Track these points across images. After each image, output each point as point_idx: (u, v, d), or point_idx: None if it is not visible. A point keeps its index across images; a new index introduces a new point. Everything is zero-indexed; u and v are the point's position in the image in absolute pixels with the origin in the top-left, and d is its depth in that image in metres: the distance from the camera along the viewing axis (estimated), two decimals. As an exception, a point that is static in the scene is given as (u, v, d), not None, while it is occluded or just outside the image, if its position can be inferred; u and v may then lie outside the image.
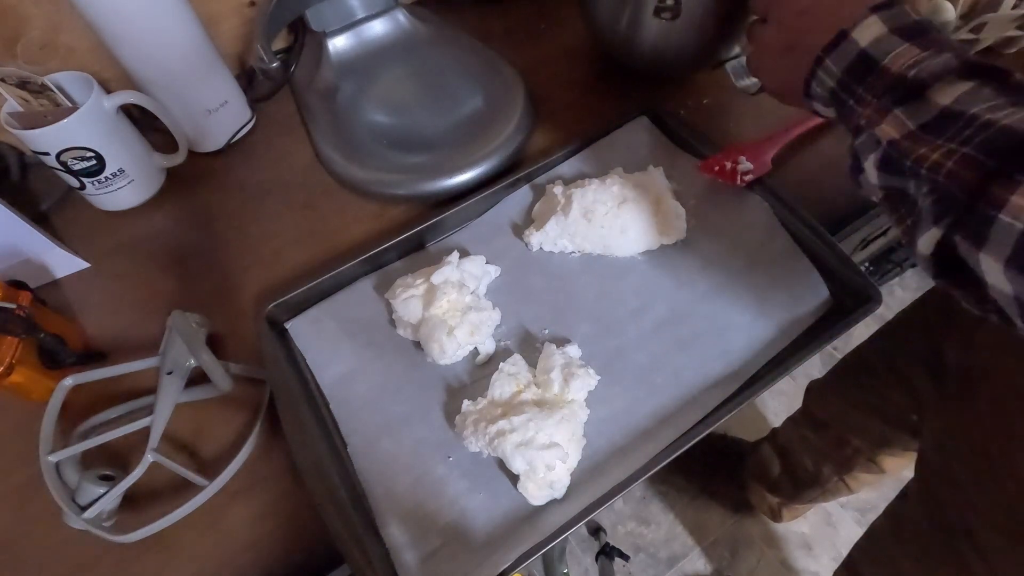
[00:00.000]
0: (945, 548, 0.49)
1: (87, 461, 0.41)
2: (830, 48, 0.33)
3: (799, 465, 0.90)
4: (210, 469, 0.41)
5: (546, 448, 0.38)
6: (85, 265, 0.53)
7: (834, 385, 0.80)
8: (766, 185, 0.49)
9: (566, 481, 0.39)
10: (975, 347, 0.49)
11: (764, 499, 1.02)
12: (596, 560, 1.02)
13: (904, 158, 0.28)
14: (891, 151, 0.29)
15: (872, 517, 1.04)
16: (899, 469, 0.76)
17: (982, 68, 0.28)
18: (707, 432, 0.40)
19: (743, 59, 0.56)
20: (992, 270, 0.25)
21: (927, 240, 0.28)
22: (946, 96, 0.27)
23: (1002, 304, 0.26)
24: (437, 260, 0.47)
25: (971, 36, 0.58)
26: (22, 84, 0.49)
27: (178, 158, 0.56)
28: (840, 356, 0.79)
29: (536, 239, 0.49)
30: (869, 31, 0.31)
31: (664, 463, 0.39)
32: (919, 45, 0.30)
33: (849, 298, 0.44)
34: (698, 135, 0.54)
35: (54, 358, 0.44)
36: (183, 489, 0.40)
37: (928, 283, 1.31)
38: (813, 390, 0.84)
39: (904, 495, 0.59)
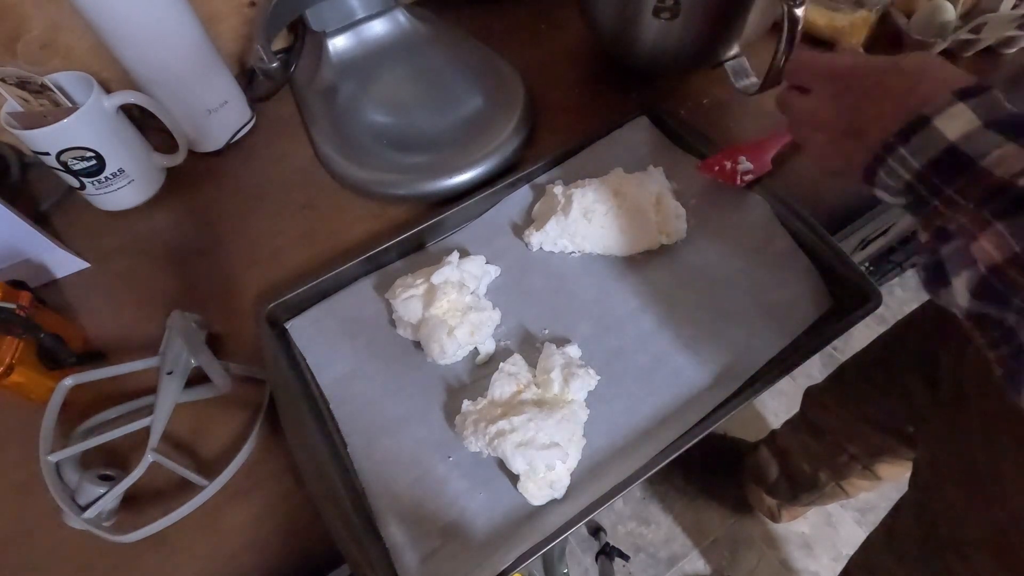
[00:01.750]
0: (937, 564, 0.48)
1: (87, 461, 0.41)
2: (905, 135, 0.28)
3: (797, 469, 0.90)
4: (210, 469, 0.41)
5: (546, 448, 0.38)
6: (85, 265, 0.53)
7: (831, 392, 0.79)
8: (766, 185, 0.49)
9: (566, 481, 0.39)
10: (967, 361, 0.48)
11: (762, 501, 1.02)
12: (596, 560, 1.02)
13: (1012, 294, 0.24)
14: (993, 280, 0.25)
15: (872, 518, 1.04)
16: (896, 476, 0.76)
17: None
18: (707, 432, 0.40)
19: (743, 59, 0.56)
20: None
21: None
22: None
23: None
24: (437, 260, 0.47)
25: (971, 36, 0.58)
26: (22, 84, 0.49)
27: (178, 158, 0.56)
28: (840, 357, 0.79)
29: (536, 239, 0.49)
30: (957, 121, 0.27)
31: (664, 463, 0.39)
32: None
33: (849, 298, 0.44)
34: (698, 135, 0.54)
35: (54, 358, 0.44)
36: (183, 489, 0.40)
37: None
38: (811, 396, 0.84)
39: (899, 507, 0.59)
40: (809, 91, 0.36)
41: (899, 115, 0.28)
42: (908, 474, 0.57)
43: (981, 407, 0.45)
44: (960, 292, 0.26)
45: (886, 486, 0.81)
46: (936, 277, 0.28)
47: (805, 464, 0.88)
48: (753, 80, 0.55)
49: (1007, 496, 0.41)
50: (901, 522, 0.57)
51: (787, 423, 0.94)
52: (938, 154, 0.27)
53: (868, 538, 0.65)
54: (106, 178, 0.52)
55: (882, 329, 0.72)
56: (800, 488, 0.91)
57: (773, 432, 0.99)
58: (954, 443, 0.47)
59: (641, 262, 0.49)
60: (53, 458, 0.38)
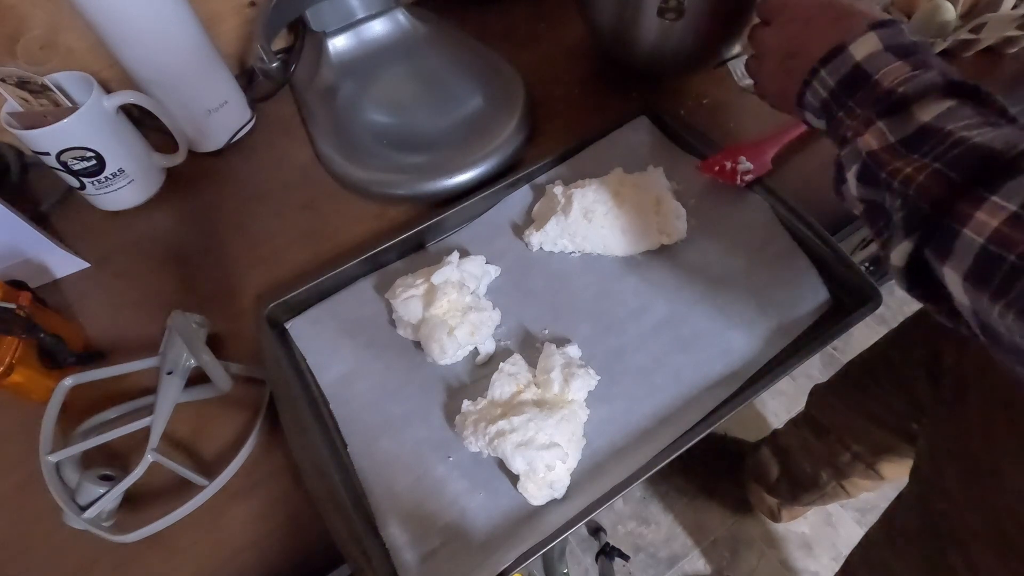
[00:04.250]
0: (937, 558, 0.48)
1: (87, 461, 0.41)
2: (827, 59, 0.34)
3: (798, 468, 0.90)
4: (210, 469, 0.41)
5: (546, 448, 0.38)
6: (85, 265, 0.53)
7: (837, 390, 0.80)
8: (766, 185, 0.49)
9: (566, 481, 0.39)
10: (969, 354, 0.49)
11: (763, 500, 1.02)
12: (596, 560, 1.02)
13: (880, 170, 0.29)
14: (870, 162, 0.30)
15: (872, 518, 1.04)
16: (898, 475, 0.76)
17: (965, 88, 0.29)
18: (707, 432, 0.40)
19: (747, 59, 0.56)
20: (954, 283, 0.26)
21: (899, 253, 0.29)
22: (927, 113, 0.28)
23: (966, 317, 0.27)
24: (437, 260, 0.47)
25: (971, 36, 0.58)
26: (22, 84, 0.49)
27: (178, 158, 0.56)
28: (840, 356, 0.79)
29: (536, 239, 0.49)
30: (865, 46, 0.32)
31: (664, 463, 0.39)
32: (911, 63, 0.31)
33: (849, 298, 0.44)
34: (698, 135, 0.54)
35: (54, 358, 0.44)
36: (183, 489, 0.40)
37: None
38: (816, 394, 0.84)
39: (899, 501, 0.59)
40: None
41: (826, 44, 0.34)
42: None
43: (981, 402, 0.45)
44: (851, 183, 0.32)
45: (887, 487, 0.81)
46: (839, 178, 0.33)
47: (806, 463, 0.88)
48: (755, 79, 0.55)
49: (1005, 489, 0.41)
50: (901, 515, 0.57)
51: (790, 422, 0.94)
52: (847, 73, 0.33)
53: (868, 532, 0.65)
54: (106, 178, 0.52)
55: (883, 329, 0.72)
56: (801, 488, 0.91)
57: (775, 431, 0.99)
58: (953, 436, 0.48)
59: (641, 262, 0.49)
60: (53, 458, 0.38)
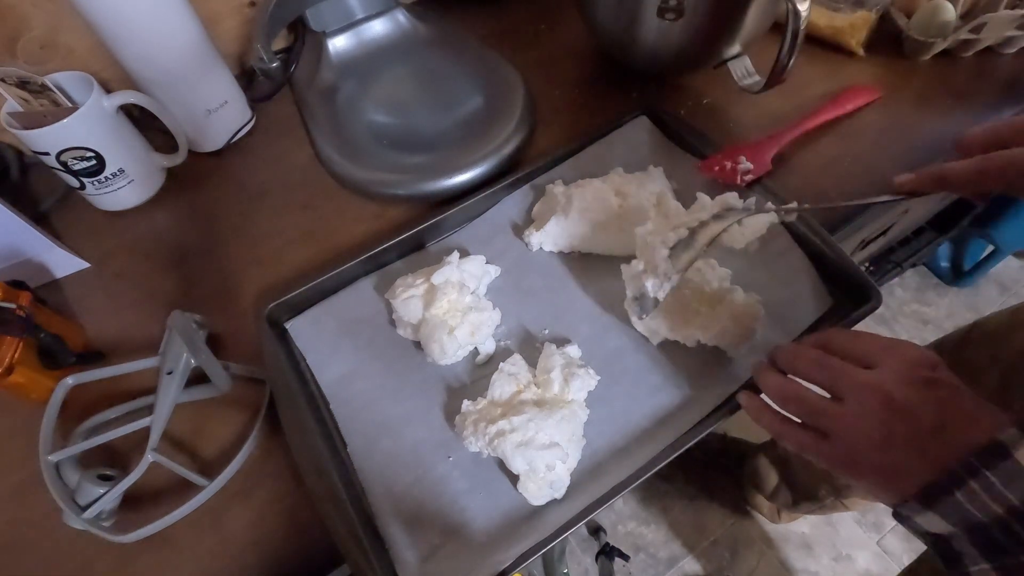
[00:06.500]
0: None
1: (87, 461, 0.41)
2: (986, 458, 0.25)
3: (796, 479, 0.89)
4: (210, 469, 0.41)
5: (546, 448, 0.38)
6: (85, 265, 0.53)
7: None
8: (766, 185, 0.49)
9: (566, 481, 0.39)
10: None
11: (762, 505, 1.02)
12: (596, 560, 1.02)
13: None
14: None
15: (872, 518, 1.04)
16: None
17: None
18: (707, 432, 0.40)
19: (745, 58, 0.56)
20: None
21: None
22: None
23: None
24: (437, 260, 0.47)
25: (971, 36, 0.58)
26: (22, 84, 0.49)
27: (178, 158, 0.56)
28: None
29: (536, 239, 0.49)
30: None
31: (664, 463, 0.39)
32: None
33: (849, 298, 0.44)
34: (698, 135, 0.54)
35: (54, 358, 0.44)
36: (183, 489, 0.40)
37: (925, 288, 1.31)
38: None
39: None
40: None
41: (975, 432, 0.26)
42: None
43: None
44: None
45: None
46: None
47: (805, 476, 0.87)
48: (756, 79, 0.55)
49: None
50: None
51: None
52: None
53: None
54: (106, 178, 0.52)
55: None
56: (800, 497, 0.90)
57: (773, 439, 0.99)
58: None
59: (641, 262, 0.49)
60: (53, 458, 0.38)
